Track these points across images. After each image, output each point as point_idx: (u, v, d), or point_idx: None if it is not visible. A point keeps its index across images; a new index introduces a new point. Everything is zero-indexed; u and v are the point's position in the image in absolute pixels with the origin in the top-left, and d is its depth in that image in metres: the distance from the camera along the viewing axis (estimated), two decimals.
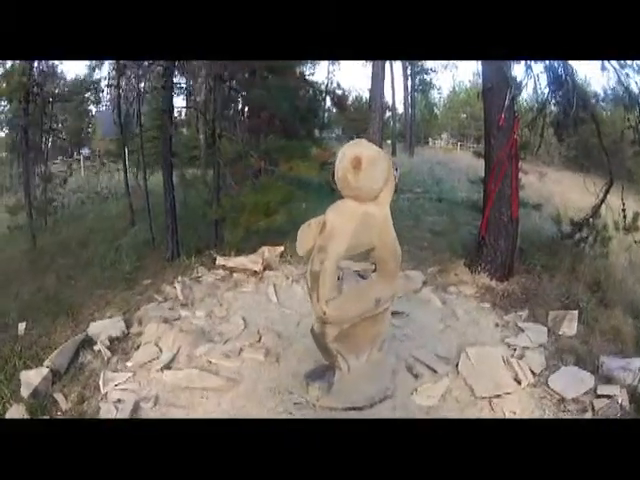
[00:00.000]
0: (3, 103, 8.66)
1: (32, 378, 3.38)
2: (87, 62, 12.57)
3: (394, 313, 4.19)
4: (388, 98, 23.02)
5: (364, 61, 15.58)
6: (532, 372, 3.24)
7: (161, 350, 3.75)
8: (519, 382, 3.15)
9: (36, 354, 3.84)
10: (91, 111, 17.61)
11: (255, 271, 5.17)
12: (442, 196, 8.63)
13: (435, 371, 3.26)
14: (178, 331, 3.95)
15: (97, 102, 12.89)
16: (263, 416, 2.88)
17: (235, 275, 5.21)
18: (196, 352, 3.68)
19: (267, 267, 5.31)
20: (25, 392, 3.28)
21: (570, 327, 3.81)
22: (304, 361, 3.29)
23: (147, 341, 3.90)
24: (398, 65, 20.46)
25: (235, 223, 5.66)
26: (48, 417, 3.07)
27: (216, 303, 4.60)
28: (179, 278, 5.09)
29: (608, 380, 3.14)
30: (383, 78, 10.64)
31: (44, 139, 8.50)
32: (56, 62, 9.90)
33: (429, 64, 21.20)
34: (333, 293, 2.68)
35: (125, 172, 8.62)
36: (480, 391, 3.08)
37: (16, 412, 3.08)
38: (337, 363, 2.96)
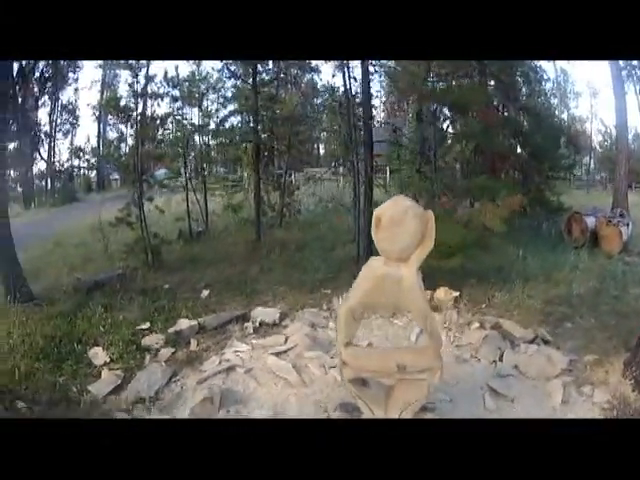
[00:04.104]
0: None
1: (183, 324, 5.02)
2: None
3: (497, 393, 3.87)
4: None
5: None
6: None
7: (285, 342, 4.78)
8: None
9: (198, 313, 5.43)
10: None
11: None
12: None
13: None
14: (310, 335, 4.84)
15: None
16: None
17: None
18: (305, 354, 4.51)
19: (435, 308, 5.27)
20: (172, 330, 4.91)
21: None
22: None
23: (284, 334, 5.00)
24: None
25: None
26: (173, 350, 4.54)
27: (362, 325, 5.29)
28: (344, 295, 5.87)
29: None
30: (625, 113, 8.75)
31: (278, 152, 10.40)
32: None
33: None
34: (347, 339, 3.01)
35: (355, 190, 9.49)
36: None
37: (153, 339, 4.72)
38: (359, 405, 3.15)
